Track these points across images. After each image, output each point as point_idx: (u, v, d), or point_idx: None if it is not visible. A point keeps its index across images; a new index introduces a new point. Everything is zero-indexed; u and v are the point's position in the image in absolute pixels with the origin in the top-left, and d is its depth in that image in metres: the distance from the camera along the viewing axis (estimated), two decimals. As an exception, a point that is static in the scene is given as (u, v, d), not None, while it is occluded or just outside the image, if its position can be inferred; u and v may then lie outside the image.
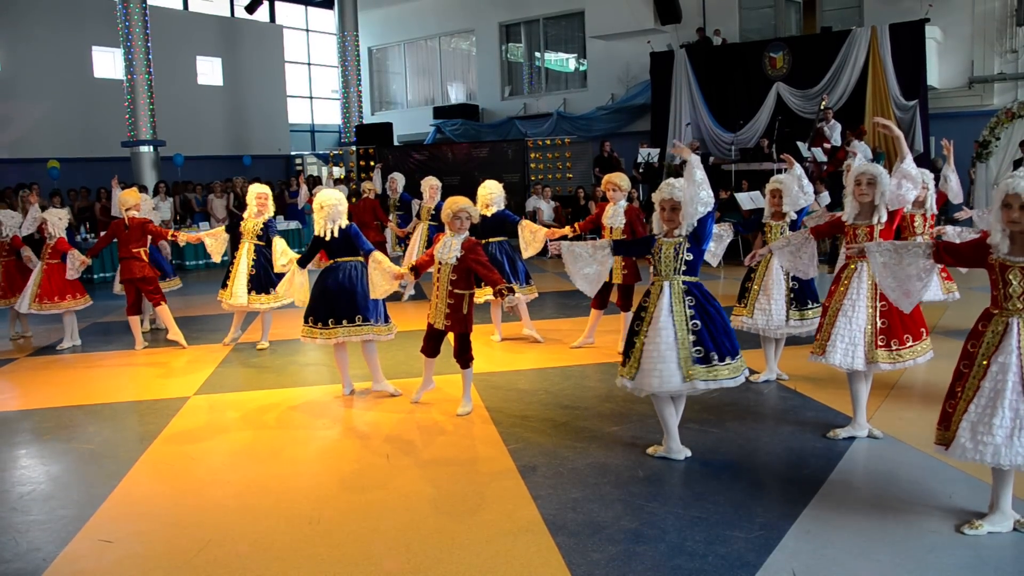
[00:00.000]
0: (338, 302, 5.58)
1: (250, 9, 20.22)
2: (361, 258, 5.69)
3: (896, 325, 4.30)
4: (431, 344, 5.37)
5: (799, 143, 13.52)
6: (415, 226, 9.55)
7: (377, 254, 5.45)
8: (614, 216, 6.79)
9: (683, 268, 4.18)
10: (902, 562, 3.19)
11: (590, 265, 4.56)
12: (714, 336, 4.11)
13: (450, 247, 5.09)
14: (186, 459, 4.68)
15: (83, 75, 17.82)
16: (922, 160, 14.12)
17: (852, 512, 3.64)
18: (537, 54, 21.26)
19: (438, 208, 9.66)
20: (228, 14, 21.38)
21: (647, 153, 15.22)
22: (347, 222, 5.65)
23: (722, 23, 17.39)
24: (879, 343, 4.32)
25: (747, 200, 11.29)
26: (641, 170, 15.19)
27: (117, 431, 5.28)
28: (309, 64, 23.97)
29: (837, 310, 4.38)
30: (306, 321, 5.66)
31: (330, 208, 5.55)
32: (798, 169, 5.53)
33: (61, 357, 7.61)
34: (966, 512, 3.57)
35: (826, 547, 3.33)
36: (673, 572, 3.16)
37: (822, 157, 13.19)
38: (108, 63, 18.17)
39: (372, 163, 11.19)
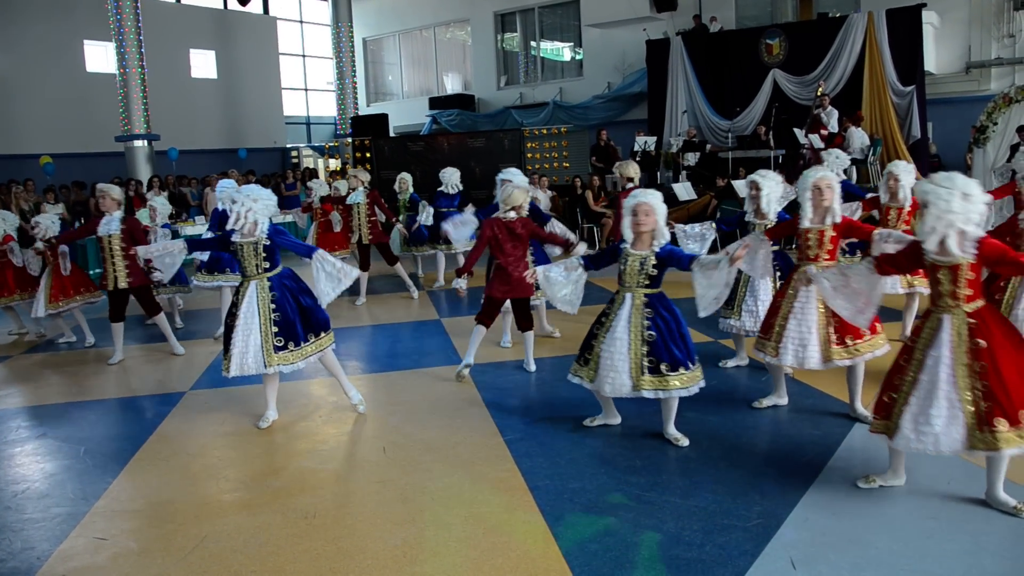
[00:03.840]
0: None
1: (243, 1, 20.08)
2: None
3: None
4: None
5: (796, 130, 13.47)
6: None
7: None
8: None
9: (646, 282, 4.31)
10: (900, 549, 3.18)
11: (566, 287, 4.66)
12: (668, 347, 4.21)
13: None
14: (182, 455, 4.66)
15: (75, 69, 17.67)
16: (919, 147, 14.08)
17: (850, 499, 3.64)
18: (533, 43, 21.16)
19: (412, 199, 10.05)
20: (221, 6, 21.23)
21: (644, 141, 15.18)
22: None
23: (718, 10, 17.30)
24: (835, 341, 4.43)
25: (744, 188, 11.26)
26: (638, 158, 15.13)
27: (112, 427, 5.27)
28: (304, 56, 23.84)
29: (788, 312, 4.52)
30: None
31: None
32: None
33: (56, 354, 7.58)
34: (964, 498, 3.57)
35: (824, 535, 3.32)
36: (671, 562, 3.15)
37: (819, 144, 13.13)
38: (100, 57, 18.02)
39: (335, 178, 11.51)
